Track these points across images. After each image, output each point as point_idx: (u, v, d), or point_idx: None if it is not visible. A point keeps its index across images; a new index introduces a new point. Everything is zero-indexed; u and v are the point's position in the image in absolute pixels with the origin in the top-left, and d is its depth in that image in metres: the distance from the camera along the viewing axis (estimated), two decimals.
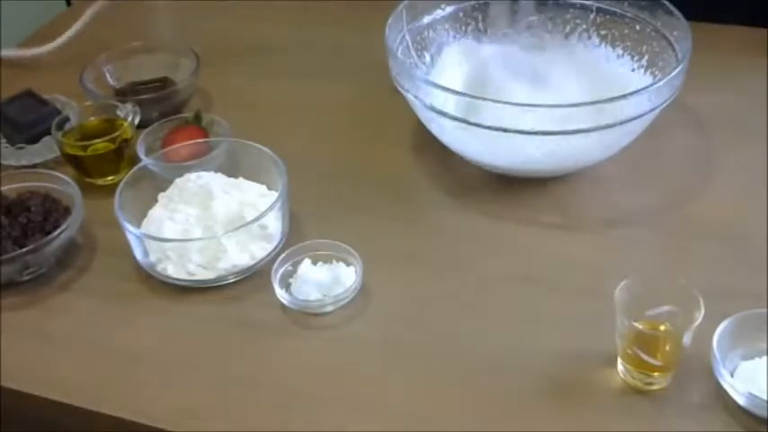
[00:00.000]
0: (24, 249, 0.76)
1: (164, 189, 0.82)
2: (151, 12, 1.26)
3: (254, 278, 0.77)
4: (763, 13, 1.06)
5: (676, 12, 0.87)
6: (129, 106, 0.91)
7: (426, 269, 0.78)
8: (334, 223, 0.83)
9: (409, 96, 0.83)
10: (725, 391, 0.64)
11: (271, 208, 0.77)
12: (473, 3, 0.97)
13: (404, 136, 0.94)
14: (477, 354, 0.70)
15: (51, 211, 0.81)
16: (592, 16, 0.95)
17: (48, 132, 0.91)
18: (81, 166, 0.89)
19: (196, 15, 1.22)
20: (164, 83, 1.02)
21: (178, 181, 0.82)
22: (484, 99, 0.78)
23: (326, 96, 1.02)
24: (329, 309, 0.74)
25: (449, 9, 0.96)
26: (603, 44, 0.94)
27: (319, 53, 1.10)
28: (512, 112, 0.77)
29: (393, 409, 0.66)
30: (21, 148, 0.94)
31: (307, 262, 0.77)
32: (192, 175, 0.82)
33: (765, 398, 0.62)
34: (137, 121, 0.90)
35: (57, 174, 0.85)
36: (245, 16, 1.20)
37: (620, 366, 0.67)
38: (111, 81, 1.02)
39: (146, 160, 0.85)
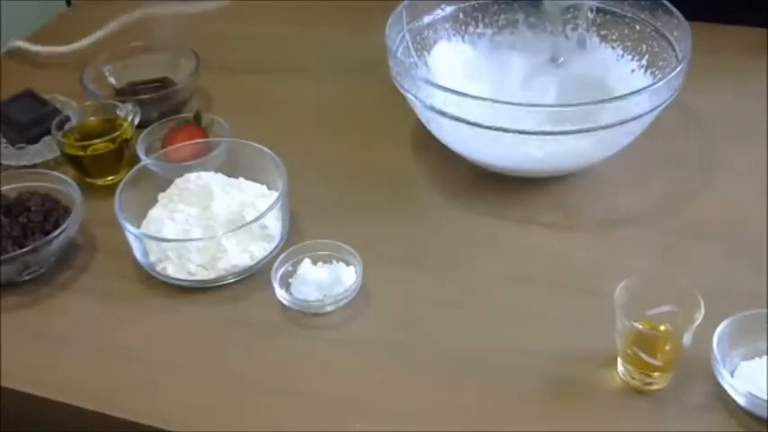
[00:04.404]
0: (24, 249, 0.76)
1: (164, 189, 0.82)
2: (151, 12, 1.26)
3: (254, 278, 0.77)
4: (763, 13, 1.06)
5: (676, 12, 0.87)
6: (129, 106, 0.91)
7: (426, 269, 0.78)
8: (334, 223, 0.83)
9: (409, 96, 0.83)
10: (725, 391, 0.64)
11: (271, 208, 0.77)
12: (473, 3, 0.97)
13: (404, 136, 0.94)
14: (477, 353, 0.70)
15: (51, 211, 0.81)
16: (592, 16, 0.95)
17: (48, 132, 0.91)
18: (81, 166, 0.89)
19: (196, 16, 1.22)
20: (164, 83, 1.02)
21: (178, 181, 0.82)
22: (484, 99, 0.78)
23: (326, 96, 1.02)
24: (329, 309, 0.74)
25: (449, 9, 0.96)
26: (603, 44, 0.94)
27: (319, 53, 1.10)
28: (512, 112, 0.77)
29: (393, 409, 0.66)
30: (21, 148, 0.94)
31: (307, 262, 0.77)
32: (192, 175, 0.82)
33: (765, 398, 0.62)
34: (137, 121, 0.91)
35: (57, 174, 0.85)
36: (244, 17, 1.19)
37: (620, 366, 0.67)
38: (111, 81, 1.02)
39: (146, 160, 0.85)
